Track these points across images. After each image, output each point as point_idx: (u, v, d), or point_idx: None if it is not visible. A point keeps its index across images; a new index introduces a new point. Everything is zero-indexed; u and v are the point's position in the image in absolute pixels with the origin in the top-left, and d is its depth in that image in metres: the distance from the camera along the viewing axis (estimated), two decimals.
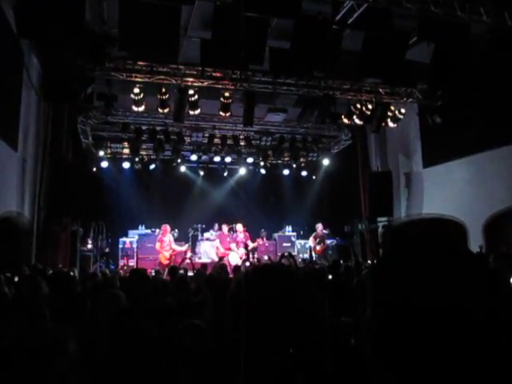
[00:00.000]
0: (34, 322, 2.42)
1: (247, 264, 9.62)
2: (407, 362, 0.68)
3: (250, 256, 12.38)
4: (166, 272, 10.89)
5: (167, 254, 11.93)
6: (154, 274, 10.06)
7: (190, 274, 8.26)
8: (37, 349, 1.42)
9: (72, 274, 6.87)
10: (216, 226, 13.81)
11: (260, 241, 13.59)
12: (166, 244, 12.04)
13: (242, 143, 14.42)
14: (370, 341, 0.75)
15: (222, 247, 12.60)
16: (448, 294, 0.67)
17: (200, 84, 10.20)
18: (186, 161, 15.06)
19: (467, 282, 0.69)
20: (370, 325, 0.75)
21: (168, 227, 12.28)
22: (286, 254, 12.02)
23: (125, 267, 11.81)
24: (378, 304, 0.74)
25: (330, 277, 6.66)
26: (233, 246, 12.75)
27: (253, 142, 14.49)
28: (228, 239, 12.83)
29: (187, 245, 12.73)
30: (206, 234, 13.76)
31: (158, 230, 12.83)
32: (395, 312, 0.70)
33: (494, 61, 9.27)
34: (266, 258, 12.68)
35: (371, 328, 0.74)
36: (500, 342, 0.67)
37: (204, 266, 9.34)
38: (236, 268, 8.51)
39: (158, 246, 12.10)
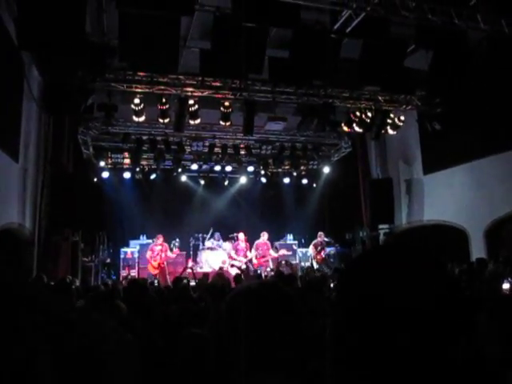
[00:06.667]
0: None
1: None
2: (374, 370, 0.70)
3: (249, 266, 12.38)
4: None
5: (155, 264, 11.92)
6: (156, 283, 10.06)
7: (192, 283, 8.25)
8: None
9: (73, 286, 6.86)
10: (217, 235, 13.80)
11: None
12: (155, 253, 12.02)
13: (243, 152, 14.44)
14: (331, 345, 0.77)
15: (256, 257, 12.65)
16: (409, 300, 0.70)
17: (200, 94, 10.25)
18: (187, 170, 15.08)
19: (426, 288, 0.72)
20: (331, 330, 0.77)
21: (161, 237, 12.25)
22: (282, 262, 12.10)
23: (128, 277, 11.79)
24: (340, 308, 0.77)
25: (332, 285, 6.65)
26: (232, 253, 12.76)
27: (253, 150, 14.51)
28: (265, 247, 12.85)
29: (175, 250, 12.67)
30: (207, 243, 13.74)
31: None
32: (355, 316, 0.73)
33: (493, 67, 9.33)
34: (269, 269, 12.65)
35: (332, 334, 0.77)
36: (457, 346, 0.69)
37: (206, 275, 9.32)
38: (237, 278, 8.51)
39: (148, 254, 12.08)
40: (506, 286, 3.93)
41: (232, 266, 12.14)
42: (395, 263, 0.75)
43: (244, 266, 12.21)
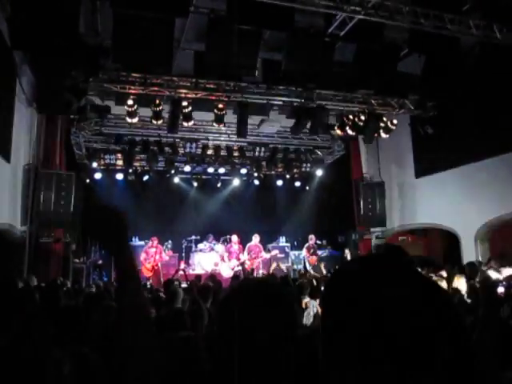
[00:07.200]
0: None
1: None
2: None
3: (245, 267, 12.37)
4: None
5: (149, 266, 11.91)
6: (149, 285, 10.01)
7: (184, 285, 8.22)
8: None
9: (64, 287, 6.82)
10: (210, 238, 13.78)
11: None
12: (150, 256, 12.00)
13: (236, 154, 14.46)
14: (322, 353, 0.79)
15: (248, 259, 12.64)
16: (394, 314, 0.71)
17: (193, 95, 10.24)
18: (180, 172, 15.06)
19: (411, 302, 0.73)
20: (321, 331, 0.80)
21: (156, 239, 12.21)
22: (274, 265, 12.11)
23: None
24: (325, 322, 0.79)
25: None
26: (225, 256, 12.74)
27: (246, 152, 14.53)
28: (257, 249, 12.84)
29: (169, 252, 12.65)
30: (200, 246, 13.72)
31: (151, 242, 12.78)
32: (340, 317, 0.75)
33: (484, 72, 9.41)
34: (260, 271, 12.65)
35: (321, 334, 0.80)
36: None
37: (198, 277, 9.29)
38: (234, 277, 8.51)
39: (142, 257, 12.06)
40: (500, 289, 3.97)
41: (240, 264, 12.15)
42: (380, 269, 0.77)
43: (240, 268, 12.21)
